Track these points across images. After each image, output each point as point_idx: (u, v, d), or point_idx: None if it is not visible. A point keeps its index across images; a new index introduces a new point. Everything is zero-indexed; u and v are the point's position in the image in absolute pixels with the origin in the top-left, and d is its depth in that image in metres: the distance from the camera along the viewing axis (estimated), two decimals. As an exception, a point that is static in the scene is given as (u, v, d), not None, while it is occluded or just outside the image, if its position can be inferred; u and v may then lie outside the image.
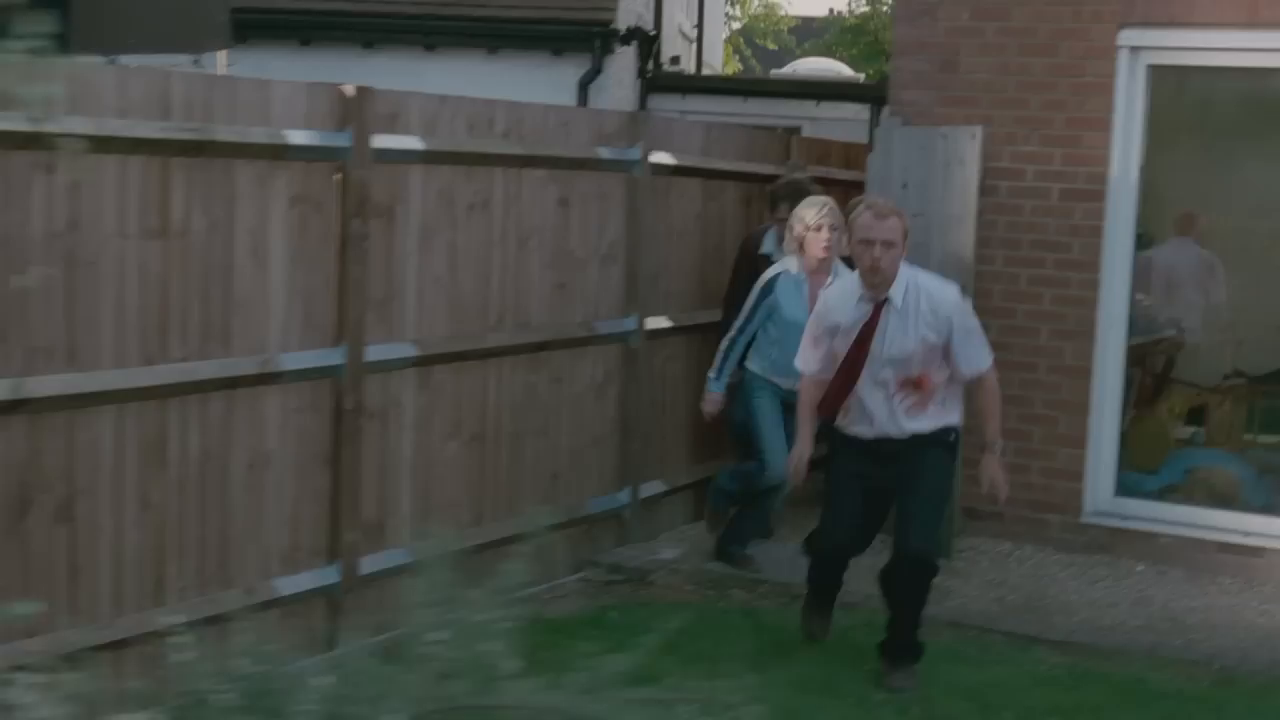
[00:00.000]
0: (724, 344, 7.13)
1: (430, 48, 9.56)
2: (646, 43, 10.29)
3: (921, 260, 6.43)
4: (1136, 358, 9.32)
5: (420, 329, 6.26)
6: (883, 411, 5.79)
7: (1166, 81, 7.56)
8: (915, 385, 5.74)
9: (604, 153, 7.20)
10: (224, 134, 5.33)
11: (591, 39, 9.33)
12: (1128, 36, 7.35)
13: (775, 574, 7.04)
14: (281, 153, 5.57)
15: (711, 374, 7.17)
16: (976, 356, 5.80)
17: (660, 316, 7.67)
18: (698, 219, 8.03)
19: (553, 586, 6.98)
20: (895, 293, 5.73)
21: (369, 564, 6.07)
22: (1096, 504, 7.63)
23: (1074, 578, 7.25)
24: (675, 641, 6.12)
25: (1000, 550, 7.56)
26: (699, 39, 13.33)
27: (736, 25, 34.93)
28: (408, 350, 6.18)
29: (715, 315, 7.66)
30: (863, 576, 6.16)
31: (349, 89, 5.84)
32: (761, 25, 33.90)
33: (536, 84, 9.13)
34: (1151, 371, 9.88)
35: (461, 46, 9.44)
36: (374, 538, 6.14)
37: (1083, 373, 7.54)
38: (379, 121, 5.96)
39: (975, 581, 7.10)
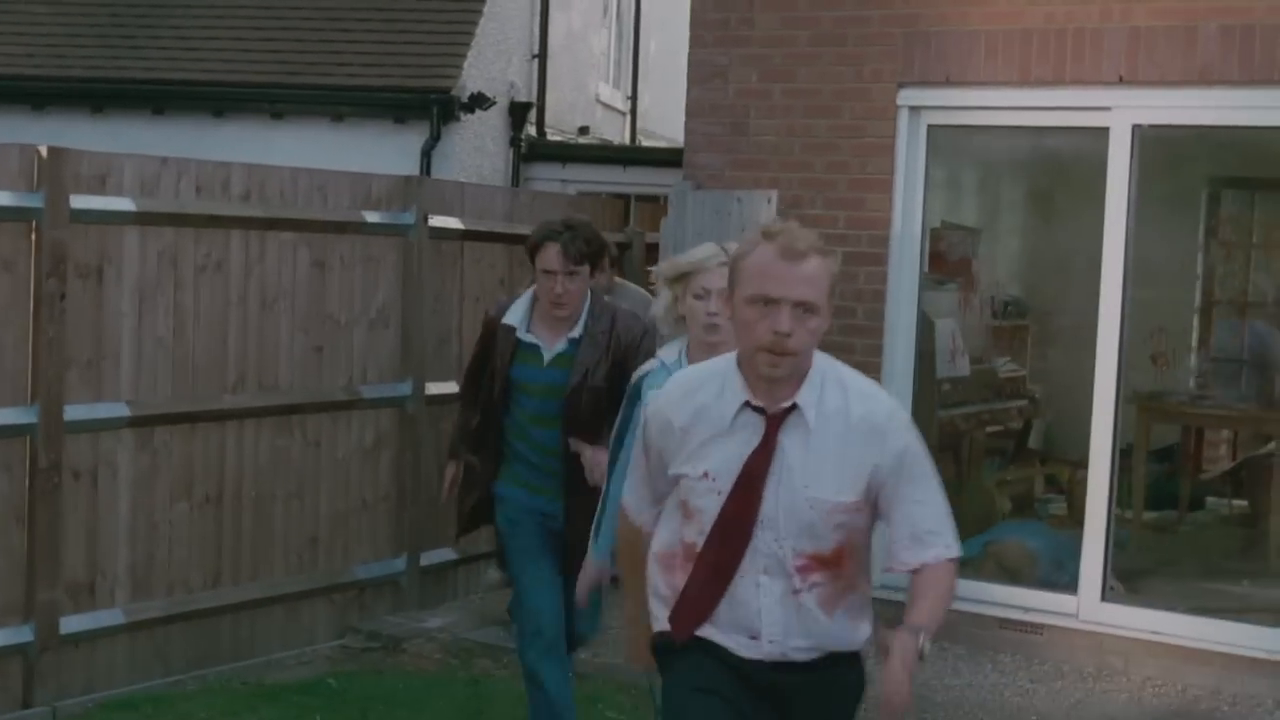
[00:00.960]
0: (603, 495, 4.77)
1: (278, 116, 9.67)
2: (520, 111, 10.32)
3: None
4: (981, 428, 9.09)
5: (139, 390, 6.26)
6: (779, 614, 3.30)
7: (947, 141, 7.37)
8: (831, 564, 3.31)
9: (371, 217, 7.18)
10: (-115, 194, 5.43)
11: (429, 106, 9.37)
12: (907, 96, 7.19)
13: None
14: (-42, 212, 5.64)
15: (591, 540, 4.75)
16: (935, 522, 3.32)
17: (448, 382, 7.58)
18: (503, 284, 7.95)
19: (304, 652, 6.89)
20: (806, 397, 3.27)
21: (73, 624, 6.05)
22: (885, 577, 7.33)
23: (848, 653, 6.98)
24: (370, 709, 6.05)
25: (785, 624, 7.30)
26: (633, 110, 13.31)
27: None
28: (119, 410, 6.17)
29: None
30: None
31: (43, 149, 5.90)
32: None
33: (383, 152, 9.17)
34: (1016, 439, 9.62)
35: (308, 115, 9.55)
36: (81, 597, 6.11)
37: (868, 441, 7.29)
38: (84, 182, 6.00)
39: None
